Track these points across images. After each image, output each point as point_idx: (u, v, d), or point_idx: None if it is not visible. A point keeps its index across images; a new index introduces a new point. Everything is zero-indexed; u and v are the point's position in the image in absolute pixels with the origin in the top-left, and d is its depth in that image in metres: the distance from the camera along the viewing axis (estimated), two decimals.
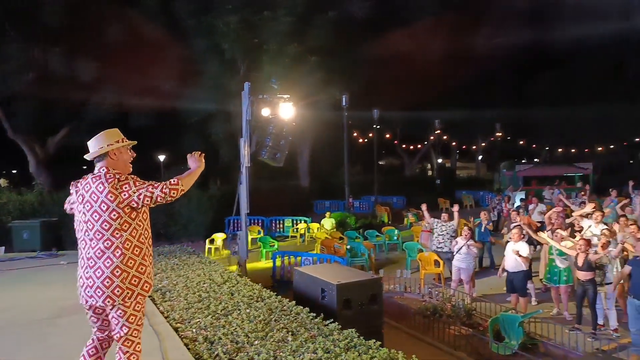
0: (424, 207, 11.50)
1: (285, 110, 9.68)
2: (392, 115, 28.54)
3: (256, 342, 4.09)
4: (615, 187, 14.81)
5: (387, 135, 32.61)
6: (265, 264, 12.27)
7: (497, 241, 11.27)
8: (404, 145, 37.05)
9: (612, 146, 35.11)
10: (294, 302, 5.37)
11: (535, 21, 29.98)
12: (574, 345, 6.64)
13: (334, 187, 26.38)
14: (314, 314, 4.84)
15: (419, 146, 37.48)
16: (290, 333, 4.31)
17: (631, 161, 39.67)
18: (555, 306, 8.39)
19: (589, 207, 9.39)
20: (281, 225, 17.62)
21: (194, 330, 4.50)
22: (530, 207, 14.37)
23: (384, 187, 26.91)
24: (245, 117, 9.51)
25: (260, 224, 17.15)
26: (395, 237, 14.75)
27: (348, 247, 11.96)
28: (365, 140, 31.08)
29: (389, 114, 26.67)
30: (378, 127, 24.24)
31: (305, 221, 17.03)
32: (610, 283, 7.33)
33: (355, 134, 29.35)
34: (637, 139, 34.93)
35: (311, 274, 6.09)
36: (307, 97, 19.99)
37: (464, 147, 40.55)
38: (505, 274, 8.36)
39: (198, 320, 4.77)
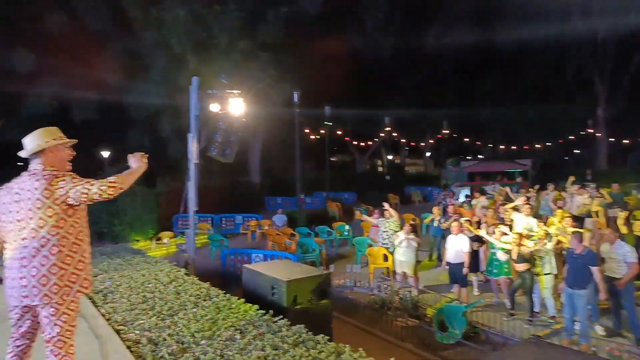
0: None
1: (235, 106, 9.55)
2: (344, 112, 28.84)
3: (203, 342, 4.03)
4: (553, 182, 15.66)
5: (339, 132, 32.92)
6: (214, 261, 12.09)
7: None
8: (355, 142, 37.52)
9: (549, 143, 37.16)
10: (242, 299, 5.33)
11: (482, 23, 31.22)
12: (512, 332, 7.01)
13: (285, 183, 26.34)
14: (263, 311, 4.83)
15: (370, 143, 38.07)
16: (238, 331, 4.27)
17: (566, 157, 42.18)
18: (495, 296, 8.80)
19: (520, 200, 9.87)
20: (232, 223, 17.40)
21: (137, 332, 4.36)
22: (474, 202, 14.95)
23: (335, 183, 27.13)
24: (194, 112, 9.30)
25: (210, 222, 16.85)
26: (346, 233, 14.94)
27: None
28: (317, 136, 31.23)
29: (340, 111, 26.93)
30: (330, 123, 24.39)
31: (257, 218, 16.90)
32: (549, 274, 7.75)
33: (307, 131, 29.42)
34: (572, 137, 37.13)
35: (261, 271, 6.06)
36: (258, 93, 19.83)
37: (412, 144, 41.57)
38: (448, 266, 8.67)
39: (142, 321, 4.64)
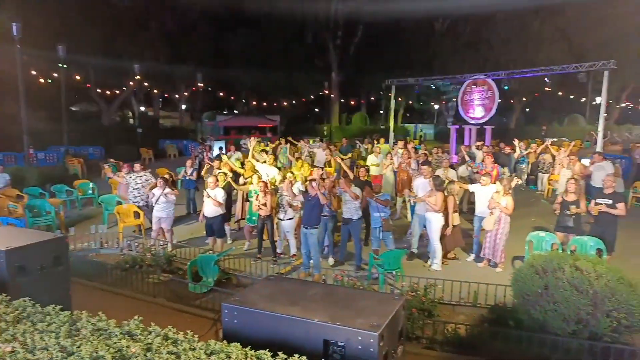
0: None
1: None
2: (84, 56, 25.22)
3: None
4: (295, 137, 17.40)
5: (78, 77, 28.70)
6: None
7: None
8: (99, 90, 33.45)
9: (294, 102, 40.88)
10: None
11: None
12: (259, 273, 7.66)
13: (8, 136, 21.78)
14: None
15: (118, 92, 34.58)
16: None
17: (309, 115, 47.35)
18: (247, 242, 9.40)
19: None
20: None
21: None
22: (229, 154, 15.47)
23: (77, 136, 23.92)
24: None
25: None
26: (91, 191, 13.49)
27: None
28: (49, 81, 26.51)
29: (79, 54, 23.42)
30: (65, 66, 21.03)
31: None
32: (291, 218, 8.65)
33: (34, 73, 24.58)
34: (312, 97, 41.72)
35: None
36: None
37: (166, 95, 39.66)
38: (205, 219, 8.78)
39: None
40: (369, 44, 35.16)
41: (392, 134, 23.74)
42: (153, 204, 9.14)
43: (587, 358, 5.04)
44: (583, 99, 40.44)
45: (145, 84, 32.91)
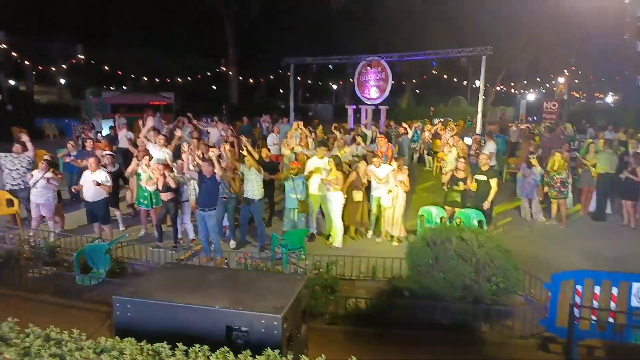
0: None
1: None
2: None
3: None
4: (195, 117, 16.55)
5: None
6: None
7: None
8: None
9: (189, 78, 38.87)
10: None
11: None
12: (157, 261, 7.27)
13: None
14: None
15: None
16: None
17: (206, 93, 45.48)
18: (143, 228, 8.85)
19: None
20: None
21: None
22: (120, 133, 14.45)
23: None
24: None
25: None
26: None
27: None
28: None
29: None
30: None
31: None
32: (187, 200, 8.33)
33: None
34: (209, 73, 40.06)
35: None
36: None
37: (40, 68, 35.35)
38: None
39: None
40: (267, 20, 34.48)
41: (292, 114, 23.77)
42: (30, 187, 8.21)
43: (472, 319, 5.58)
44: (465, 82, 43.90)
45: (14, 54, 29.11)
